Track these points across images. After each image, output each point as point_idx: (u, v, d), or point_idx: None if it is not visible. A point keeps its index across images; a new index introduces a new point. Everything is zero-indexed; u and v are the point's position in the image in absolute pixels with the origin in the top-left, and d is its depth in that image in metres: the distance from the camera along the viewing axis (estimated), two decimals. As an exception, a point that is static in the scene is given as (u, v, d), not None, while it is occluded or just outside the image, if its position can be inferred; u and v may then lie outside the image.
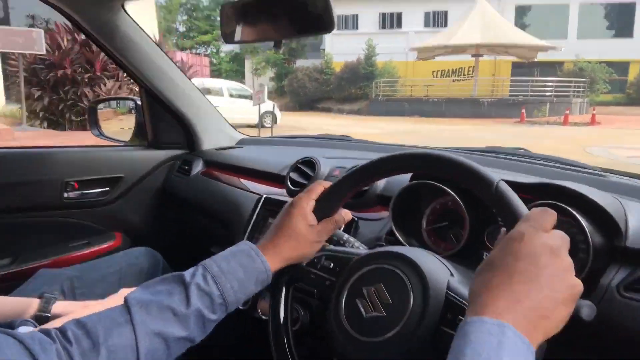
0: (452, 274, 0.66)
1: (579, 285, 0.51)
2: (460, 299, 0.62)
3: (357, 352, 0.65)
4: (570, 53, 21.91)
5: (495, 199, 0.60)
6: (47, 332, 0.59)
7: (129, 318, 0.63)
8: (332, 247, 0.82)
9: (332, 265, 0.78)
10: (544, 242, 0.51)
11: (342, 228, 1.04)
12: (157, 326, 0.63)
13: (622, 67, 23.85)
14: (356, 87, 22.24)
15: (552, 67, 22.59)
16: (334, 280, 0.75)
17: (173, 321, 0.65)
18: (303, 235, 0.75)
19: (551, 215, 0.54)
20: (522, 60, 21.41)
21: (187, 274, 0.69)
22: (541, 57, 20.89)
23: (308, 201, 0.77)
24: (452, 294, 0.63)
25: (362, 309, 0.67)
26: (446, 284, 0.64)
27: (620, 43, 24.58)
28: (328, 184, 0.79)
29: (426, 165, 0.70)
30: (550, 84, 19.95)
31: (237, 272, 0.70)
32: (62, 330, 0.61)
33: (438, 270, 0.67)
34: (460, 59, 22.77)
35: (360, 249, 0.85)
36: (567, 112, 16.04)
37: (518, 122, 16.07)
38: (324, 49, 27.05)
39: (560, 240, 0.52)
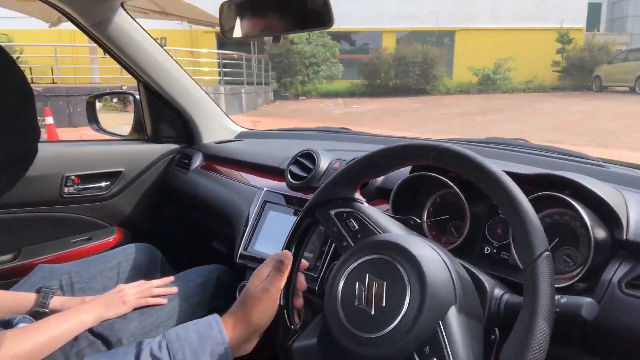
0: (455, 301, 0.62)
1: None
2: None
3: (349, 343, 0.64)
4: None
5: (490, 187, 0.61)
6: None
7: None
8: (366, 205, 0.79)
9: (356, 227, 0.76)
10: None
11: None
12: None
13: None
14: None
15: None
16: (351, 246, 0.74)
17: None
18: (256, 297, 0.74)
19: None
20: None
21: (149, 339, 0.70)
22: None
23: (265, 265, 0.78)
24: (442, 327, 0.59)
25: (357, 302, 0.65)
26: (445, 311, 0.60)
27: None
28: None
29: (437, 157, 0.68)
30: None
31: (192, 339, 0.70)
32: None
33: (442, 284, 0.62)
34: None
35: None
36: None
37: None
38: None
39: None
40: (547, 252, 0.55)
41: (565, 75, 19.38)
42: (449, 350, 0.57)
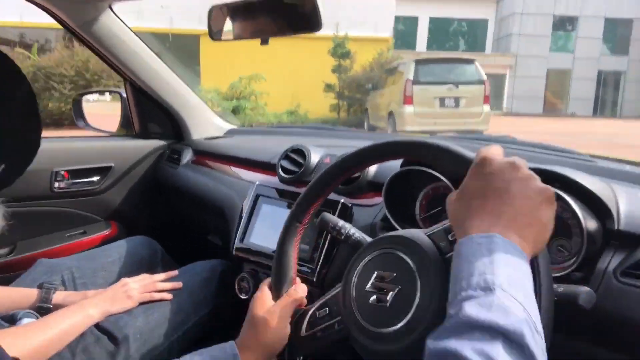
0: None
1: (548, 188, 0.54)
2: None
3: (369, 342, 0.66)
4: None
5: (441, 157, 0.64)
6: None
7: None
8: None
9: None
10: (503, 160, 0.56)
11: (337, 215, 1.07)
12: None
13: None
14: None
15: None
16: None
17: None
18: (265, 320, 0.76)
19: (499, 148, 0.59)
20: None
21: None
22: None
23: (261, 291, 0.81)
24: None
25: (371, 300, 0.67)
26: None
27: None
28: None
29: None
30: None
31: None
32: None
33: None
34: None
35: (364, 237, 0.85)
36: None
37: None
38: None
39: (515, 157, 0.57)
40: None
41: (342, 104, 14.40)
42: None
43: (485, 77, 9.87)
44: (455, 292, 0.49)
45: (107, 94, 2.85)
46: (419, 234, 0.69)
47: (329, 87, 14.22)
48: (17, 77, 0.59)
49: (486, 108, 9.85)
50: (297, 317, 0.80)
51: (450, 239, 0.64)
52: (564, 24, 23.97)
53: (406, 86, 9.70)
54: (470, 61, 10.32)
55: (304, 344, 0.78)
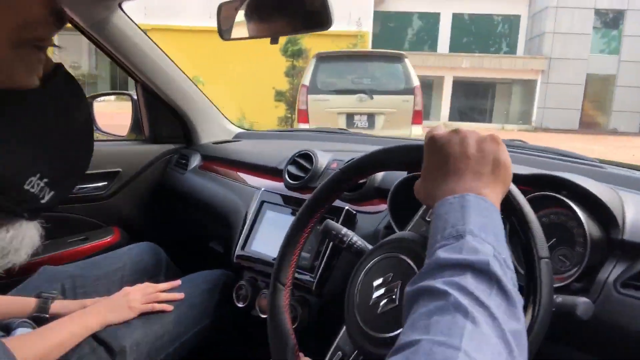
0: None
1: (488, 133, 0.60)
2: None
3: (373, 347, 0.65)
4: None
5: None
6: None
7: None
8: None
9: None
10: (446, 132, 0.61)
11: (341, 222, 1.05)
12: None
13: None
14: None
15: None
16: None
17: None
18: None
19: (440, 124, 0.65)
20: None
21: None
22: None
23: None
24: None
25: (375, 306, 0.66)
26: None
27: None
28: None
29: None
30: None
31: None
32: None
33: None
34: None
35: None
36: None
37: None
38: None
39: (453, 126, 0.60)
40: (547, 259, 0.57)
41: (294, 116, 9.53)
42: None
43: (416, 83, 6.22)
44: (432, 247, 0.51)
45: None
46: (412, 234, 0.71)
47: (280, 95, 11.09)
48: (82, 100, 0.55)
49: (416, 130, 6.10)
50: None
51: (428, 219, 0.66)
52: (607, 20, 19.26)
53: (300, 95, 6.29)
54: (397, 58, 6.48)
55: None
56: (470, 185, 0.55)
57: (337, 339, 0.79)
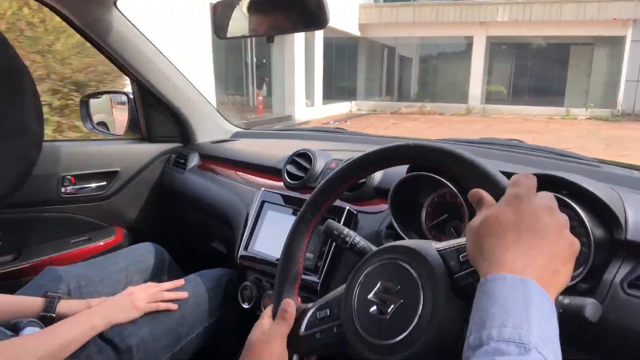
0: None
1: (576, 242, 0.53)
2: None
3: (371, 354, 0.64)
4: None
5: (474, 175, 0.61)
6: None
7: None
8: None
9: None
10: (541, 202, 0.53)
11: (342, 222, 1.05)
12: None
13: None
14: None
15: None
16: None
17: None
18: (261, 344, 0.74)
19: (533, 178, 0.56)
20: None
21: None
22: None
23: (262, 317, 0.79)
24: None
25: (373, 311, 0.65)
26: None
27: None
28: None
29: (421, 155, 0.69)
30: None
31: None
32: None
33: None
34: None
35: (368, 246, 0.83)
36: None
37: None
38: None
39: (552, 199, 0.54)
40: None
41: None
42: None
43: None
44: (482, 337, 0.45)
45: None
46: (427, 247, 0.66)
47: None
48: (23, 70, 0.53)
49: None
50: (297, 314, 0.77)
51: (462, 259, 0.61)
52: None
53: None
54: None
55: (300, 344, 0.76)
56: (538, 275, 0.49)
57: (330, 298, 0.76)
